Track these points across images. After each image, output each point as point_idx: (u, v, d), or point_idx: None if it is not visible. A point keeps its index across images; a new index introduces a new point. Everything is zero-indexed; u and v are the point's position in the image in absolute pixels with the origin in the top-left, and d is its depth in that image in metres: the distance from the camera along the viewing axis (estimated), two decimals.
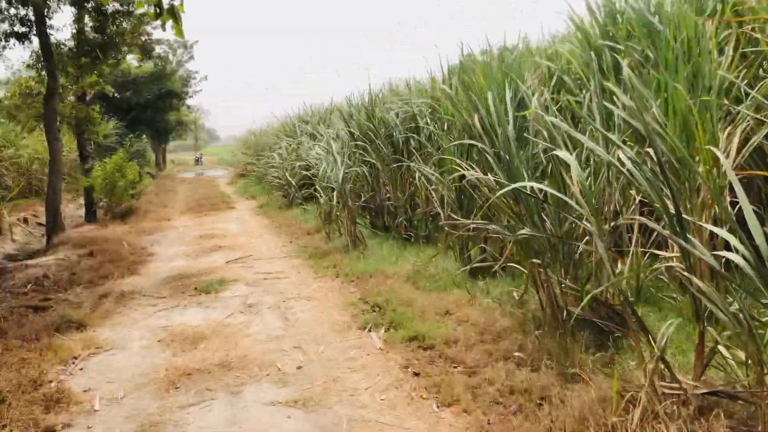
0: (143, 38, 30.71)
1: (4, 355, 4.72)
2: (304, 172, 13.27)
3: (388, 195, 9.42)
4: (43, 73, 11.39)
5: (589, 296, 3.76)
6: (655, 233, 4.44)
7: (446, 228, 7.18)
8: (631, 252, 4.62)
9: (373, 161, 9.30)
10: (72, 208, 17.60)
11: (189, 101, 40.59)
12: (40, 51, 10.90)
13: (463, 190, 6.48)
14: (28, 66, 11.36)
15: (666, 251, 4.28)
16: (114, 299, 6.69)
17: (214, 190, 20.57)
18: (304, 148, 14.18)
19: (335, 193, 9.08)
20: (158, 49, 33.51)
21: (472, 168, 5.81)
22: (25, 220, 14.82)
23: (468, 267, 6.01)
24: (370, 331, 5.06)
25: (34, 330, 5.41)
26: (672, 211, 2.93)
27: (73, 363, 4.71)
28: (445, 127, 7.66)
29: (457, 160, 6.14)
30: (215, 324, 5.55)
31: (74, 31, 11.86)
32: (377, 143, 8.88)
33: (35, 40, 10.79)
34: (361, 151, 9.77)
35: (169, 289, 7.03)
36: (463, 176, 5.96)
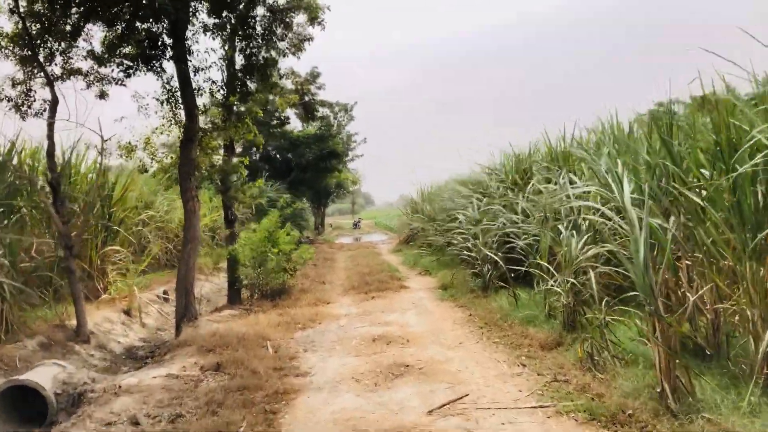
0: (307, 98, 29.72)
1: None
2: (511, 243, 9.48)
3: (692, 284, 5.29)
4: (179, 110, 8.91)
5: None
6: None
7: None
8: None
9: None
10: (220, 281, 15.30)
11: (349, 164, 39.27)
12: (172, 83, 8.41)
13: None
14: (161, 102, 8.93)
15: None
16: None
17: (378, 261, 17.39)
18: (494, 207, 10.47)
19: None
20: (321, 109, 32.54)
21: None
22: (165, 298, 12.51)
23: None
24: None
25: None
26: None
27: None
28: None
29: None
30: None
31: (222, 59, 9.34)
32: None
33: (169, 68, 8.34)
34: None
35: None
36: None
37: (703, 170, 5.39)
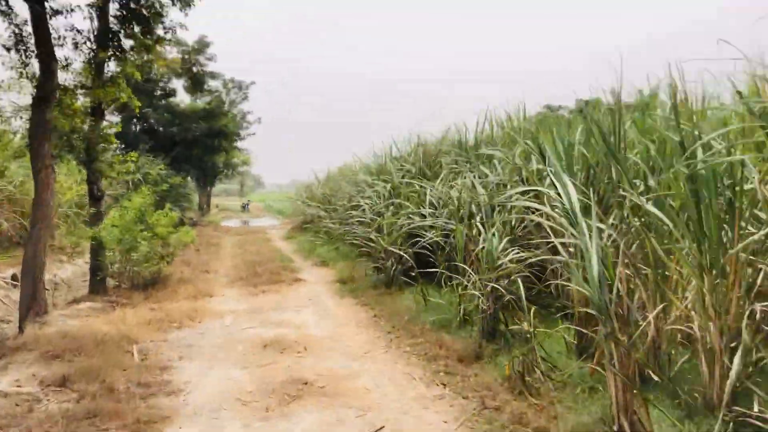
0: (195, 68, 27.48)
1: None
2: (418, 236, 8.72)
3: (631, 298, 4.70)
4: (32, 61, 7.24)
5: None
6: None
7: None
8: None
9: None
10: (87, 264, 13.36)
11: (240, 144, 36.96)
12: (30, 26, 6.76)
13: None
14: (8, 49, 7.20)
15: None
16: None
17: (269, 248, 16.12)
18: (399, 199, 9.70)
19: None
20: (212, 83, 30.31)
21: None
22: (14, 283, 10.56)
23: None
24: None
25: None
26: None
27: None
28: None
29: None
30: None
31: (91, 6, 7.76)
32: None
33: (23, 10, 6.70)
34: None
35: None
36: None
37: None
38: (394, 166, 11.54)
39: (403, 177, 11.04)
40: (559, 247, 4.61)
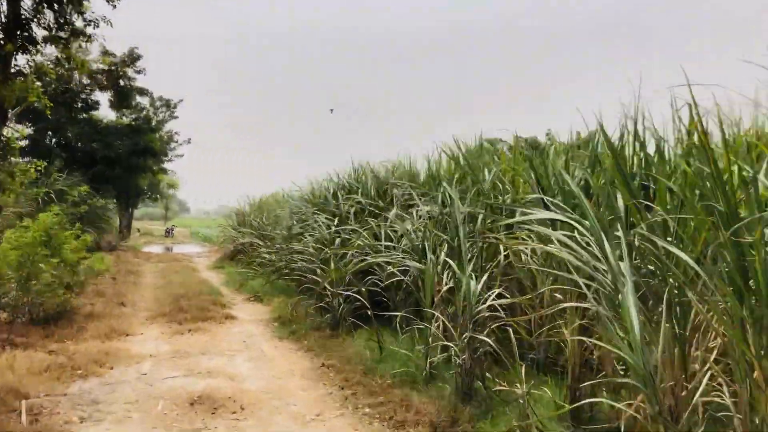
0: (122, 82, 25.71)
1: None
2: (371, 273, 7.85)
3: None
4: None
5: None
6: None
7: None
8: None
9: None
10: None
11: (167, 164, 34.93)
12: None
13: None
14: None
15: None
16: None
17: (196, 279, 14.67)
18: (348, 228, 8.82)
19: None
20: (139, 99, 28.63)
21: None
22: None
23: None
24: None
25: None
26: None
27: None
28: None
29: None
30: None
31: None
32: None
33: None
34: None
35: None
36: None
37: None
38: (341, 195, 10.63)
39: (351, 207, 10.14)
40: (586, 290, 3.76)
